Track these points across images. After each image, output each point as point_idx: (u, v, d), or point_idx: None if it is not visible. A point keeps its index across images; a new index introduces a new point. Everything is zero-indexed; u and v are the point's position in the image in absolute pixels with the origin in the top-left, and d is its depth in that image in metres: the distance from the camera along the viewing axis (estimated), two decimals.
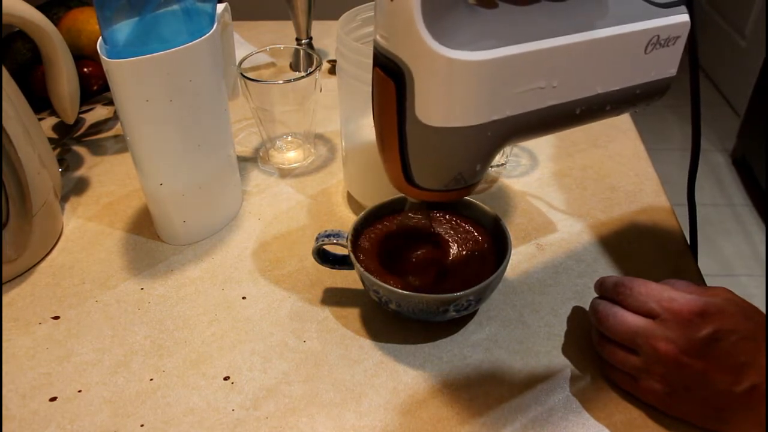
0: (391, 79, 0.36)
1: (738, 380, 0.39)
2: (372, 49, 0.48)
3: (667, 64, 0.43)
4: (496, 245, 0.50)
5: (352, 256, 0.47)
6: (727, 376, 0.39)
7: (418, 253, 0.50)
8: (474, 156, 0.39)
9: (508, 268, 0.48)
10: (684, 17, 0.42)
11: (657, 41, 0.41)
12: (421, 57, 0.34)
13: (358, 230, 0.50)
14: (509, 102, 0.37)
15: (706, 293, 0.42)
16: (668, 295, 0.41)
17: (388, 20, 0.35)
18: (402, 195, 0.51)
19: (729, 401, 0.39)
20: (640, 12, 0.40)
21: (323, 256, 0.51)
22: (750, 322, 0.40)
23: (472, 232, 0.52)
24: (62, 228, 0.59)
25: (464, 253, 0.50)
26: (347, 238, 0.48)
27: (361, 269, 0.46)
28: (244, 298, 0.52)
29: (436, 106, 0.36)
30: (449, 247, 0.51)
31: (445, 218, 0.53)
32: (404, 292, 0.44)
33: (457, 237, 0.51)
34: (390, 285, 0.44)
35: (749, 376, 0.39)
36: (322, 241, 0.48)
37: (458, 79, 0.35)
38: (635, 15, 0.40)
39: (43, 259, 0.56)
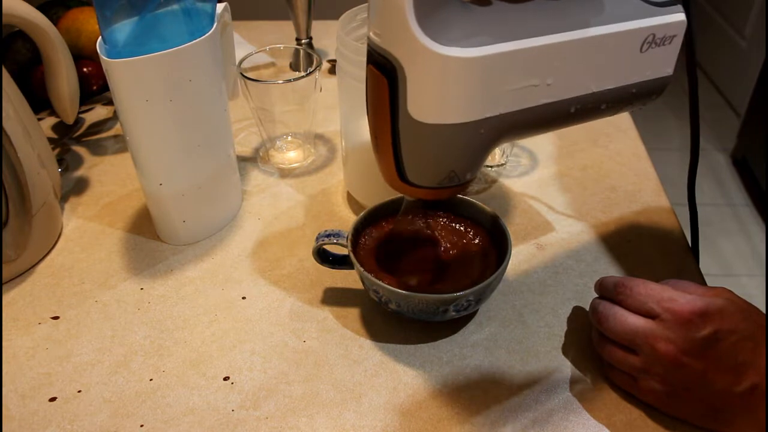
0: (384, 76, 0.36)
1: (737, 380, 0.39)
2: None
3: (663, 64, 0.43)
4: (496, 245, 0.50)
5: (352, 256, 0.47)
6: (727, 377, 0.39)
7: (419, 253, 0.50)
8: (467, 153, 0.39)
9: (508, 268, 0.48)
10: (680, 16, 0.41)
11: (653, 40, 0.41)
12: (413, 53, 0.34)
13: (358, 230, 0.50)
14: (502, 99, 0.37)
15: (706, 294, 0.42)
16: (668, 295, 0.41)
17: (380, 17, 0.35)
18: (401, 195, 0.52)
19: (728, 401, 0.39)
20: (636, 10, 0.40)
21: (323, 256, 0.51)
22: (750, 322, 0.40)
23: (473, 232, 0.52)
24: (62, 228, 0.59)
25: (465, 253, 0.50)
26: (347, 238, 0.48)
27: (361, 269, 0.46)
28: (244, 298, 0.52)
29: (429, 103, 0.36)
30: (450, 247, 0.51)
31: (446, 218, 0.53)
32: (404, 292, 0.44)
33: (458, 237, 0.51)
34: (390, 285, 0.44)
35: (749, 376, 0.39)
36: (322, 240, 0.48)
37: (451, 75, 0.35)
38: (630, 13, 0.40)
39: (42, 259, 0.56)
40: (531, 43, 0.36)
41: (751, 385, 0.39)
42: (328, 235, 0.48)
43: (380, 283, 0.44)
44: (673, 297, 0.41)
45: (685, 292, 0.42)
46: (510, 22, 0.36)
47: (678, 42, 0.42)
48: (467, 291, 0.44)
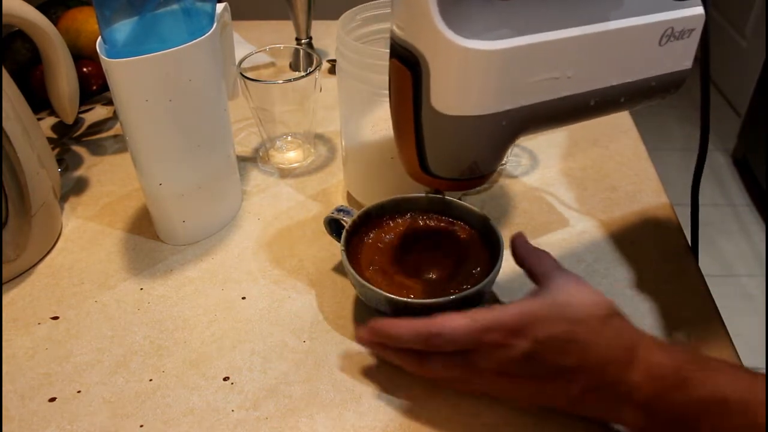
0: (408, 68, 0.37)
1: (568, 387, 0.38)
2: (371, 48, 0.49)
3: (682, 57, 0.43)
4: (493, 251, 0.49)
5: (344, 254, 0.47)
6: (558, 384, 0.38)
7: (416, 253, 0.50)
8: (489, 145, 0.40)
9: (508, 268, 0.48)
10: (698, 9, 0.42)
11: (671, 33, 0.41)
12: (436, 46, 0.35)
13: (359, 224, 0.50)
14: (523, 91, 0.38)
15: (514, 308, 0.39)
16: (480, 324, 0.38)
17: (404, 11, 0.36)
18: (402, 196, 0.52)
19: (571, 407, 0.39)
20: (654, 4, 0.40)
21: (332, 226, 0.52)
22: (566, 322, 0.38)
23: (472, 238, 0.51)
24: (61, 228, 0.59)
25: (464, 257, 0.50)
26: (353, 220, 0.49)
27: (346, 259, 0.46)
28: (243, 298, 0.52)
29: (451, 95, 0.37)
30: (449, 249, 0.50)
31: (446, 221, 0.52)
32: (370, 286, 0.44)
33: (457, 240, 0.51)
34: (377, 283, 0.45)
35: (578, 380, 0.38)
36: (335, 214, 0.50)
37: (473, 68, 0.36)
38: (649, 7, 0.40)
39: (42, 259, 0.56)
40: (551, 36, 0.37)
41: (583, 388, 0.38)
42: (340, 210, 0.50)
43: (353, 271, 0.45)
44: (485, 325, 0.38)
45: (494, 312, 0.38)
46: (531, 15, 0.36)
47: (696, 35, 0.43)
48: (442, 299, 0.43)
